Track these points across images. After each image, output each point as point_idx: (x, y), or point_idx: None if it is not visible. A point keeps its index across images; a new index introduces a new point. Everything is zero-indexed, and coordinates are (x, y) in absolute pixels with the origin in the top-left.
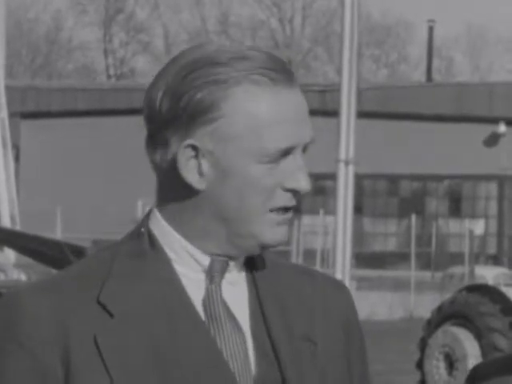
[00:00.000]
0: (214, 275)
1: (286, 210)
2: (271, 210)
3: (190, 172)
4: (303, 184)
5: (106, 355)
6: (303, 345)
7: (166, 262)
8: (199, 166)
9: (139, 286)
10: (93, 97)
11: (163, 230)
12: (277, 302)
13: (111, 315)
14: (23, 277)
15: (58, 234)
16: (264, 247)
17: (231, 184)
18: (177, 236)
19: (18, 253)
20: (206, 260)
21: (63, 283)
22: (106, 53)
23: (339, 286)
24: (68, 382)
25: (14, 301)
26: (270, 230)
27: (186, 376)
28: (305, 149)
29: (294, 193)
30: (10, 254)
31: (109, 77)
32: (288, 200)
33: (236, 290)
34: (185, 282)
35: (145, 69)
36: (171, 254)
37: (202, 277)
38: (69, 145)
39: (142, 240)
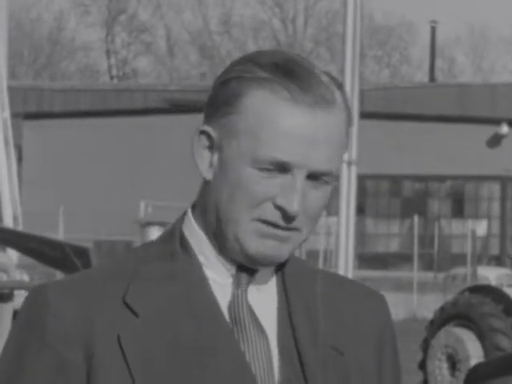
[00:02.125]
0: (240, 280)
1: (276, 225)
2: (258, 220)
3: (203, 161)
4: (293, 205)
5: (129, 355)
6: (329, 353)
7: (197, 266)
8: (211, 157)
9: (166, 288)
10: (95, 97)
11: (194, 234)
12: (306, 309)
13: (136, 315)
14: (26, 277)
15: (60, 234)
16: (250, 258)
17: (227, 179)
18: (206, 240)
19: (21, 253)
20: (233, 265)
21: (89, 282)
22: (108, 53)
23: (375, 295)
24: (90, 381)
25: (39, 297)
26: (254, 240)
27: (208, 377)
28: (315, 177)
29: (284, 212)
30: (12, 255)
31: (111, 77)
32: (277, 217)
33: (264, 295)
34: (213, 286)
35: (147, 69)
36: (201, 258)
37: (230, 281)
38: (71, 145)
39: (174, 242)
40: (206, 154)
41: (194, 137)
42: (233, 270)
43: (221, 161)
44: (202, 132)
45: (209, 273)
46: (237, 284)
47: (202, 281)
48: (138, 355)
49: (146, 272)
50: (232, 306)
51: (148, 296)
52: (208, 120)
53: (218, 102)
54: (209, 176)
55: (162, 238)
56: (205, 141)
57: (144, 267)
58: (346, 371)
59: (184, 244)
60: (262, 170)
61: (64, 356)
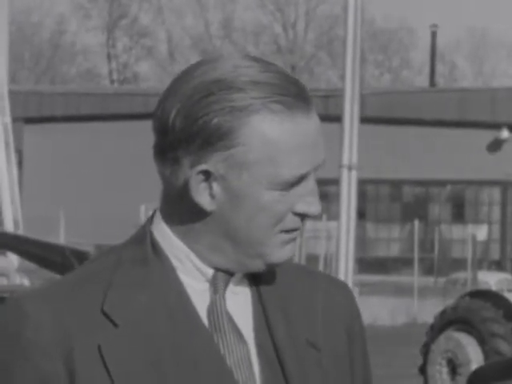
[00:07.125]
0: (217, 285)
1: (295, 229)
2: (280, 232)
3: (201, 195)
4: (314, 208)
5: (110, 366)
6: (308, 351)
7: (170, 271)
8: (210, 188)
9: (143, 295)
10: (96, 101)
11: (167, 238)
12: (280, 307)
13: (115, 325)
14: (26, 282)
15: (61, 238)
16: (271, 266)
17: (242, 208)
18: (182, 246)
19: (21, 257)
20: (210, 270)
21: (66, 290)
22: (109, 57)
23: (342, 286)
24: None
25: (16, 308)
26: (278, 250)
27: None
28: (315, 169)
29: (304, 216)
30: (12, 259)
31: (112, 81)
32: (297, 222)
33: (240, 298)
34: (189, 290)
35: (148, 74)
36: (175, 262)
37: (206, 286)
38: (72, 149)
39: (145, 246)
40: (203, 186)
41: (190, 180)
42: (209, 273)
43: (229, 191)
44: (199, 172)
45: (183, 277)
46: (214, 289)
47: (178, 286)
48: (119, 365)
49: (122, 278)
50: (211, 312)
51: (126, 304)
52: (199, 158)
53: (207, 136)
54: (212, 207)
55: (132, 241)
56: (200, 177)
57: (119, 273)
58: (325, 368)
59: (156, 248)
60: (282, 189)
61: (47, 370)
